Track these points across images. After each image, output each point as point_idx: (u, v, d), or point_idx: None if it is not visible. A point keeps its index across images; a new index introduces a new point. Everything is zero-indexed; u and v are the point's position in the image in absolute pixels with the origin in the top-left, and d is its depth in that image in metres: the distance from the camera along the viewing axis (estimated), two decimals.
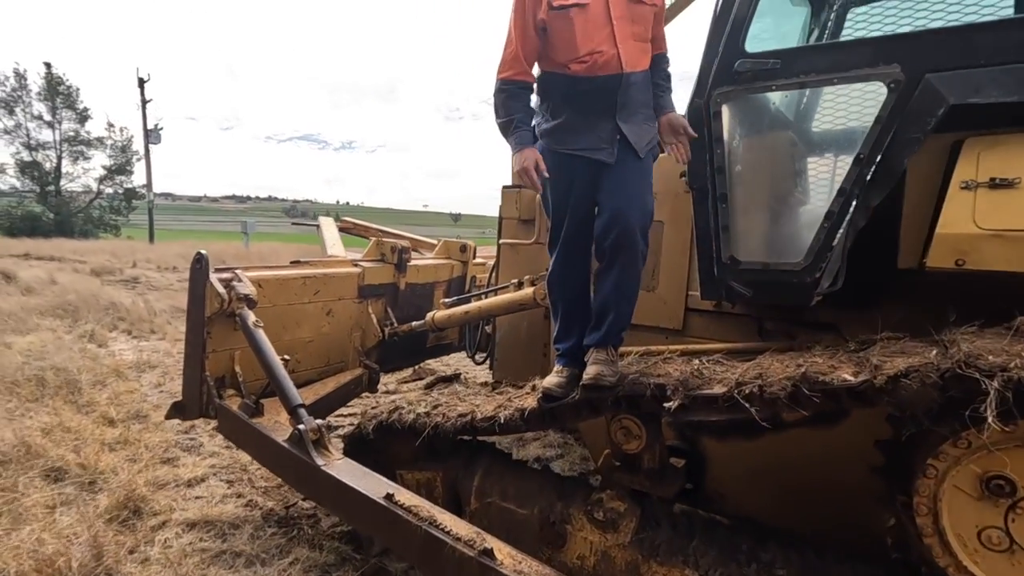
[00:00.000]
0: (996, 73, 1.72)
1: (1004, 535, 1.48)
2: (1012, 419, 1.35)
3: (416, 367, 5.46)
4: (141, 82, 26.41)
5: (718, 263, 2.20)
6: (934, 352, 1.51)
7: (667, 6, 2.93)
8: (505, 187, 3.39)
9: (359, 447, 2.75)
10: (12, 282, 9.33)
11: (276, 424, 2.65)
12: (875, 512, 1.83)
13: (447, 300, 3.68)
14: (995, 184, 1.66)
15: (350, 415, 4.43)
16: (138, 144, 30.04)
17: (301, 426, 2.40)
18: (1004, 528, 1.47)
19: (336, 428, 4.19)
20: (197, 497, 3.19)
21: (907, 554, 1.72)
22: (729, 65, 2.11)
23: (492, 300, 3.31)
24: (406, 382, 5.59)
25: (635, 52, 2.05)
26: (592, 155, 2.06)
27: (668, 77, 2.24)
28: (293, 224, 13.47)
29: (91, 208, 31.50)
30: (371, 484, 2.19)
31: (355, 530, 2.76)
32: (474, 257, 4.54)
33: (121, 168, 31.95)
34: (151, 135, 26.85)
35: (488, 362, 3.88)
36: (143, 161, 27.00)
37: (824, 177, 2.15)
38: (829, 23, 3.02)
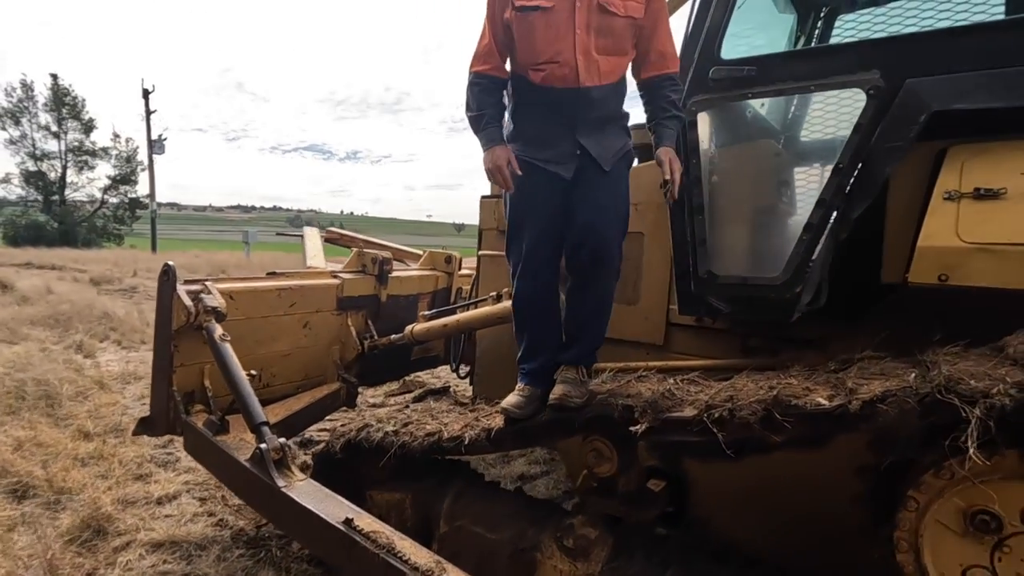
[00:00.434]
0: (982, 78, 1.63)
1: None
2: (996, 450, 1.24)
3: (404, 379, 5.36)
4: (146, 93, 26.73)
5: (695, 278, 2.10)
6: (913, 375, 1.40)
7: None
8: (483, 197, 3.31)
9: (329, 467, 2.66)
10: (9, 291, 9.28)
11: (241, 442, 2.55)
12: (863, 545, 1.72)
13: (426, 313, 3.59)
14: (980, 195, 1.56)
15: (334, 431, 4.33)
16: (142, 154, 30.39)
17: (263, 445, 2.30)
18: (990, 567, 1.35)
19: (318, 443, 4.09)
20: (167, 516, 3.09)
21: None
22: (704, 73, 2.03)
23: (470, 313, 3.22)
24: (394, 395, 5.49)
25: (598, 66, 1.90)
26: (552, 168, 1.96)
27: (674, 103, 1.99)
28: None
29: (95, 218, 31.79)
30: (331, 508, 2.09)
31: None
32: (460, 268, 4.45)
33: (125, 178, 32.33)
34: (155, 145, 27.13)
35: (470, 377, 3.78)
36: (147, 171, 27.29)
37: (803, 188, 2.07)
38: (816, 31, 2.95)
